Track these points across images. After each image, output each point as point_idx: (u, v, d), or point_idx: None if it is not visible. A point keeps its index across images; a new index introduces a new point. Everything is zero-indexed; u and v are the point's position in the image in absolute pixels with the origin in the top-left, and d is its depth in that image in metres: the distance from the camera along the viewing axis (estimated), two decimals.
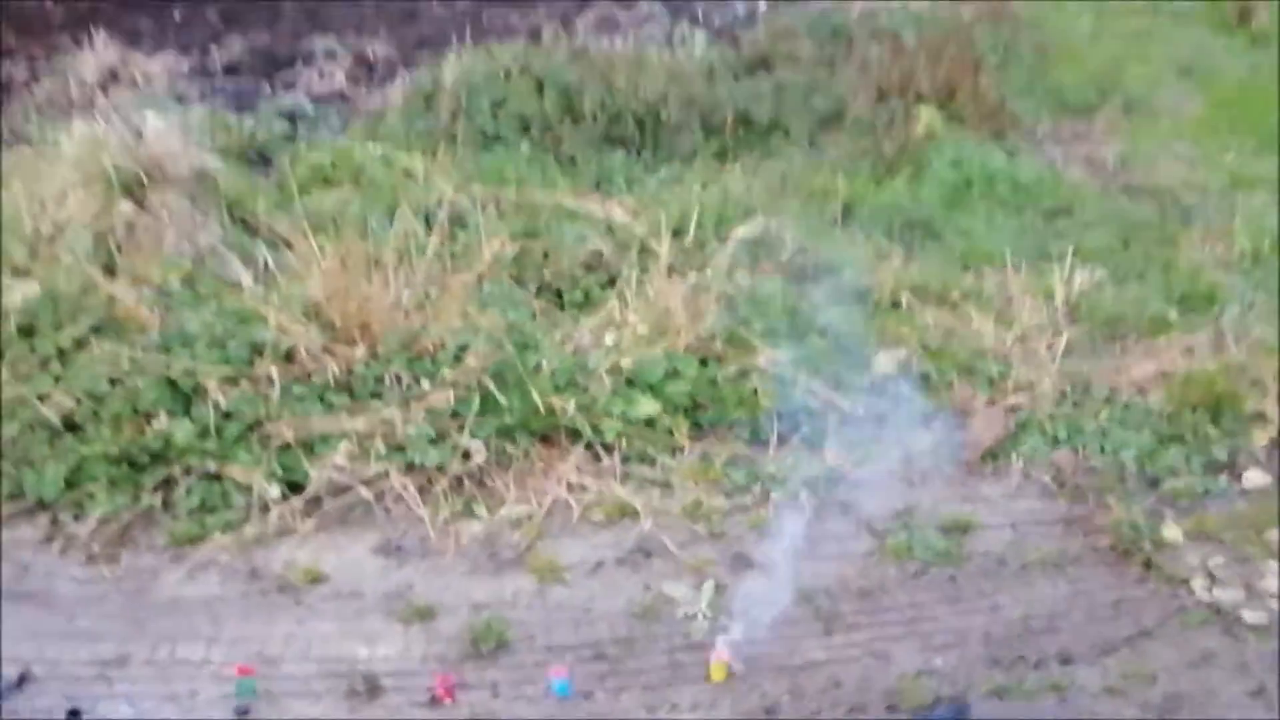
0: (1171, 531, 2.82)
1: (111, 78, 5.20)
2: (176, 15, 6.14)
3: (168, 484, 2.89)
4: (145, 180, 3.83)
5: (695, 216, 3.86)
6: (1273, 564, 2.73)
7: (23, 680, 2.40)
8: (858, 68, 5.25)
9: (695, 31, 5.72)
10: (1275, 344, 3.51)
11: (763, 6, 6.33)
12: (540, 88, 4.79)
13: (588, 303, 3.56)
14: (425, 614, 2.57)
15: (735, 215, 3.97)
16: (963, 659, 2.45)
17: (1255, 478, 3.05)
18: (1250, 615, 2.57)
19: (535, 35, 5.45)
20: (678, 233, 3.80)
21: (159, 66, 5.28)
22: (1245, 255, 4.16)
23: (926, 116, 4.89)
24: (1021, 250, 4.03)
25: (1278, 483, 3.02)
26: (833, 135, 4.86)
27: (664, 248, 3.64)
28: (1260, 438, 3.18)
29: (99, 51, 5.28)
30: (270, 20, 6.14)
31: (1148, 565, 2.72)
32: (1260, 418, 3.23)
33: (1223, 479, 3.04)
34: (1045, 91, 5.79)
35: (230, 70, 5.42)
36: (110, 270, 3.49)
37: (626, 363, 3.16)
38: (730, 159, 4.61)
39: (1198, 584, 2.67)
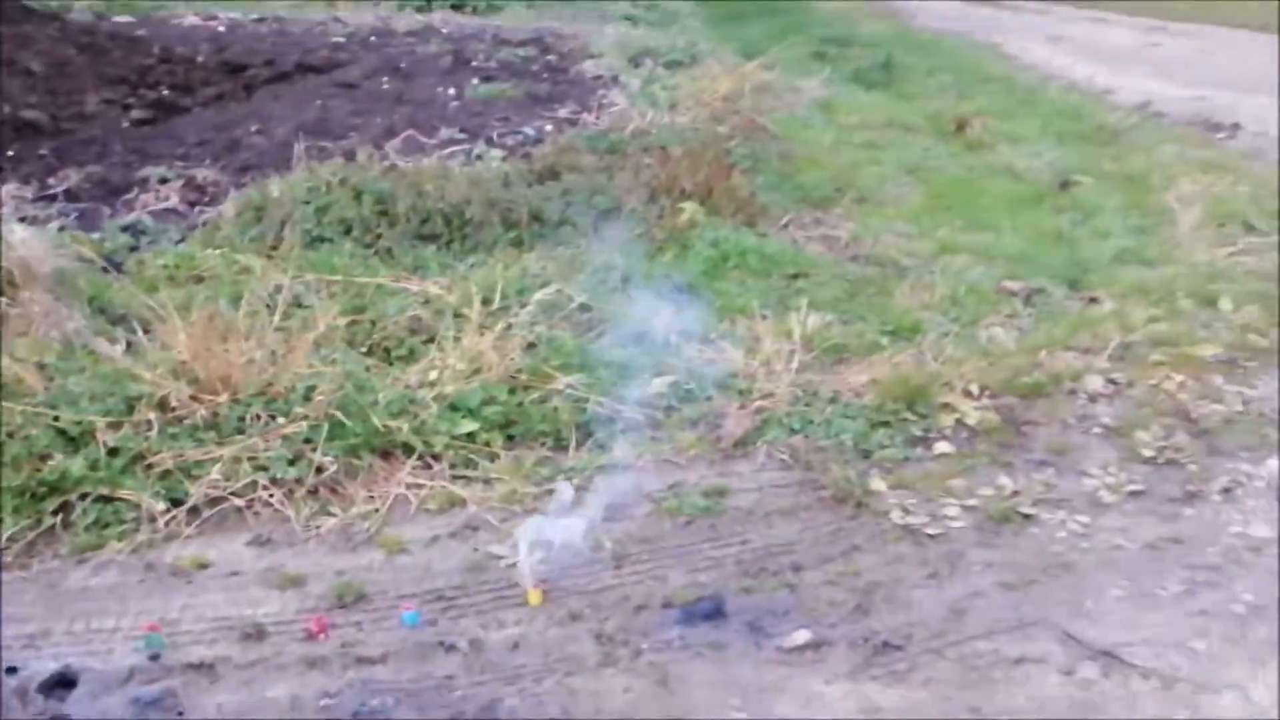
0: (877, 484, 3.67)
1: None
2: (10, 152, 6.71)
3: (65, 508, 3.43)
4: (14, 280, 4.42)
5: (499, 287, 4.65)
6: (951, 500, 3.61)
7: None
8: (632, 173, 6.22)
9: (491, 150, 6.62)
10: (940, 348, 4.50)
11: (549, 128, 7.30)
12: (358, 196, 5.54)
13: (412, 357, 4.27)
14: (296, 580, 3.18)
15: (533, 286, 4.78)
16: (721, 574, 3.20)
17: (943, 447, 3.94)
18: (931, 530, 3.42)
19: (350, 156, 6.23)
20: (486, 301, 4.57)
21: (4, 194, 5.83)
22: (945, 299, 5.19)
23: (690, 210, 5.85)
24: (767, 304, 4.96)
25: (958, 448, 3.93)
26: (612, 227, 5.76)
27: (474, 310, 4.41)
28: (948, 420, 4.08)
29: None
30: (101, 155, 6.75)
31: (859, 506, 3.54)
32: (948, 407, 4.15)
33: (919, 449, 3.92)
34: (791, 189, 6.87)
35: (71, 197, 6.00)
36: None
37: (449, 391, 3.90)
38: (527, 247, 5.45)
39: (895, 515, 3.50)
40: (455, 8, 13.97)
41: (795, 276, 5.36)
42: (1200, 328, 4.96)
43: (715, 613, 3.02)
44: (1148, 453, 3.94)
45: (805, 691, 2.73)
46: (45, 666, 2.83)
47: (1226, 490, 3.72)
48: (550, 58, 10.28)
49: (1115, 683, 2.75)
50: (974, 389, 4.27)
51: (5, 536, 3.33)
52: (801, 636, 2.92)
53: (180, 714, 2.69)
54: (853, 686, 2.74)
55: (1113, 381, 4.46)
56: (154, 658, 2.89)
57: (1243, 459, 3.93)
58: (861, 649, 2.89)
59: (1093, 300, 5.33)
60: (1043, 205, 7.03)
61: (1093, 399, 4.35)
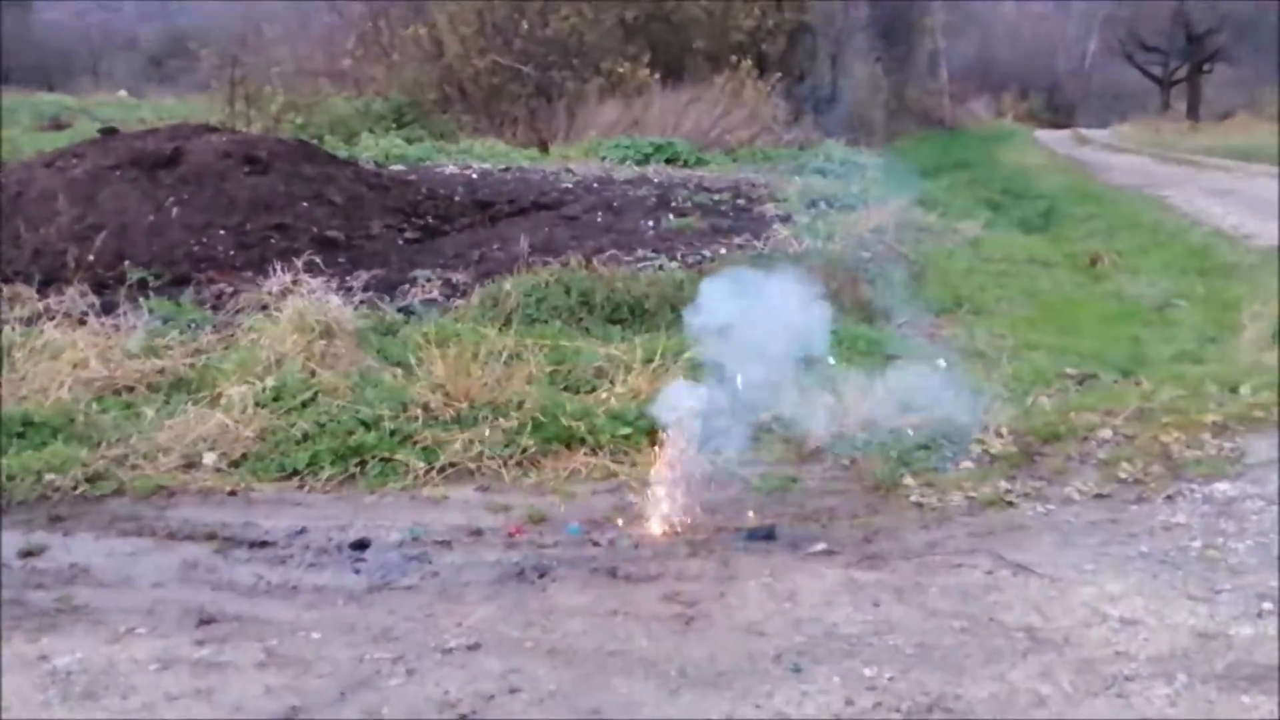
0: (907, 480, 5.16)
1: (286, 292, 7.90)
2: (317, 260, 8.94)
3: (362, 464, 5.30)
4: (330, 330, 6.45)
5: (660, 350, 6.40)
6: (958, 493, 5.07)
7: None
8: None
9: (671, 263, 8.48)
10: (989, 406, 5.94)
11: (723, 251, 9.12)
12: (567, 290, 7.47)
13: (593, 390, 6.05)
14: (504, 508, 4.90)
15: (685, 350, 6.50)
16: (778, 519, 4.77)
17: (966, 464, 5.40)
18: (934, 505, 4.91)
19: (565, 265, 8.17)
20: (649, 359, 6.32)
21: (317, 284, 7.98)
22: (1009, 377, 6.63)
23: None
24: (862, 373, 6.53)
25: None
26: None
27: (638, 362, 6.17)
28: (976, 449, 5.54)
29: (277, 277, 8.01)
30: (382, 262, 8.95)
31: (888, 491, 5.06)
32: (979, 441, 5.61)
33: (948, 465, 5.40)
34: (915, 301, 8.44)
35: (362, 288, 8.14)
36: (313, 374, 6.03)
37: (614, 407, 5.64)
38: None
39: (912, 497, 5.00)
40: (668, 161, 16.22)
41: (891, 357, 6.91)
42: (1214, 404, 6.22)
43: (768, 535, 4.59)
44: (1123, 475, 5.30)
45: (811, 570, 4.27)
46: (350, 537, 4.64)
47: (1169, 498, 5.05)
48: (740, 201, 12.20)
49: (1018, 579, 4.18)
50: (1004, 431, 5.71)
51: (325, 477, 5.21)
52: (819, 547, 4.47)
53: (429, 563, 4.44)
54: (843, 571, 4.27)
55: (1120, 434, 5.81)
56: (415, 539, 4.66)
57: (1197, 482, 5.23)
58: (856, 556, 4.41)
59: (1136, 384, 6.66)
60: (1133, 321, 8.35)
61: (1099, 444, 5.70)
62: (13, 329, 6.53)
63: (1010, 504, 4.98)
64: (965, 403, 6.01)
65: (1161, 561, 4.36)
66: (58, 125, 23.81)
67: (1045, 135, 45.05)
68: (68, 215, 9.28)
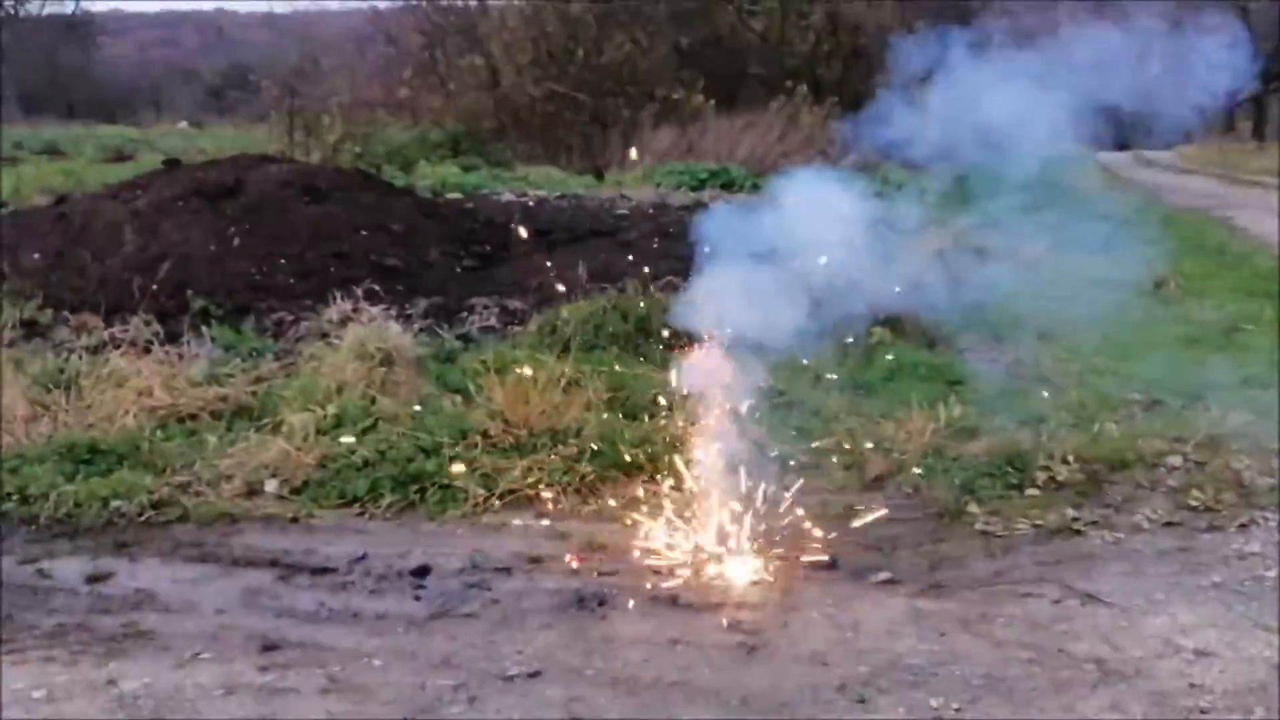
0: (972, 508, 5.08)
1: (346, 320, 7.97)
2: (376, 287, 9.02)
3: (422, 490, 5.31)
4: (390, 358, 6.49)
5: None
6: (1024, 520, 4.98)
7: None
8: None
9: None
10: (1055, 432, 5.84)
11: None
12: (625, 317, 7.47)
13: (652, 417, 6.03)
14: (563, 536, 4.89)
15: None
16: (840, 550, 4.71)
17: (1032, 492, 5.31)
18: (1000, 534, 4.82)
19: (622, 291, 8.17)
20: None
21: (377, 312, 8.06)
22: (1075, 403, 6.53)
23: (878, 333, 7.45)
24: (925, 400, 6.46)
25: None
26: (815, 343, 7.41)
27: None
28: (1042, 476, 5.44)
29: (337, 305, 8.09)
30: (440, 290, 9.00)
31: (953, 519, 4.98)
32: (1045, 468, 5.52)
33: (1013, 492, 5.30)
34: (977, 324, 8.34)
35: (419, 317, 8.19)
36: (373, 401, 6.07)
37: (675, 435, 5.62)
38: None
39: (977, 525, 4.92)
40: (724, 187, 16.20)
41: (954, 383, 6.82)
42: None
43: (830, 566, 4.54)
44: (1194, 503, 5.18)
45: (875, 600, 4.21)
46: (410, 564, 4.64)
47: (1243, 526, 4.93)
48: None
49: (1086, 609, 4.10)
50: (1070, 458, 5.60)
51: (385, 504, 5.22)
52: (883, 576, 4.40)
53: (489, 590, 4.43)
54: (908, 600, 4.21)
55: (1190, 460, 5.69)
56: (475, 566, 4.65)
57: (1271, 510, 5.10)
58: (922, 585, 4.34)
59: (1206, 410, 6.52)
60: (1201, 345, 8.19)
61: (1169, 470, 5.58)
62: (80, 357, 6.64)
63: (1078, 532, 4.88)
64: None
65: (1235, 592, 4.26)
66: (121, 157, 24.28)
67: (1106, 156, 44.39)
68: (132, 245, 9.44)
